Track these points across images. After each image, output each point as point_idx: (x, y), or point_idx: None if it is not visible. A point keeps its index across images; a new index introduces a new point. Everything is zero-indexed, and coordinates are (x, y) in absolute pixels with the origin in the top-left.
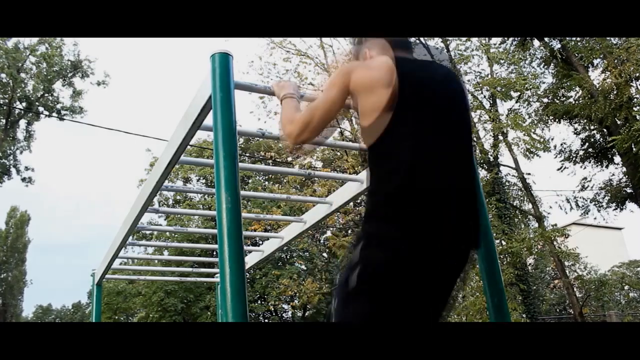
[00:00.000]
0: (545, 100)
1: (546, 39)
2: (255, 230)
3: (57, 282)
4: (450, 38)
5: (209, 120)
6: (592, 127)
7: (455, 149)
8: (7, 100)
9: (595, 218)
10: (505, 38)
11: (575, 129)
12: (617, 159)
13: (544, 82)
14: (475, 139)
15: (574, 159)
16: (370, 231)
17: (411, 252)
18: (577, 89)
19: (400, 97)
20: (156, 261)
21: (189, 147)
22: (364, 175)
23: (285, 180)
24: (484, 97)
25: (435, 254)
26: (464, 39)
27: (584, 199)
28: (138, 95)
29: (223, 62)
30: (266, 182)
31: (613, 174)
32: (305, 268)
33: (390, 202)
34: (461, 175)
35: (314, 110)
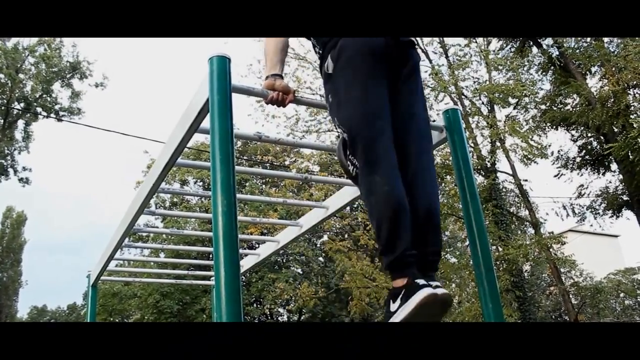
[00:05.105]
0: (543, 107)
1: (544, 46)
2: (251, 234)
3: (52, 283)
4: (449, 44)
5: (206, 123)
6: (589, 135)
7: None
8: (5, 101)
9: (591, 225)
10: (504, 44)
11: (573, 136)
12: (614, 166)
13: (542, 89)
14: (472, 145)
15: (571, 166)
16: None
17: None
18: (575, 96)
19: None
20: (152, 263)
21: (186, 149)
22: None
23: (282, 184)
24: (482, 103)
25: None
26: (462, 44)
27: (580, 206)
28: (136, 97)
29: (221, 65)
30: (263, 186)
31: (610, 182)
32: (301, 272)
33: None
34: None
35: None
